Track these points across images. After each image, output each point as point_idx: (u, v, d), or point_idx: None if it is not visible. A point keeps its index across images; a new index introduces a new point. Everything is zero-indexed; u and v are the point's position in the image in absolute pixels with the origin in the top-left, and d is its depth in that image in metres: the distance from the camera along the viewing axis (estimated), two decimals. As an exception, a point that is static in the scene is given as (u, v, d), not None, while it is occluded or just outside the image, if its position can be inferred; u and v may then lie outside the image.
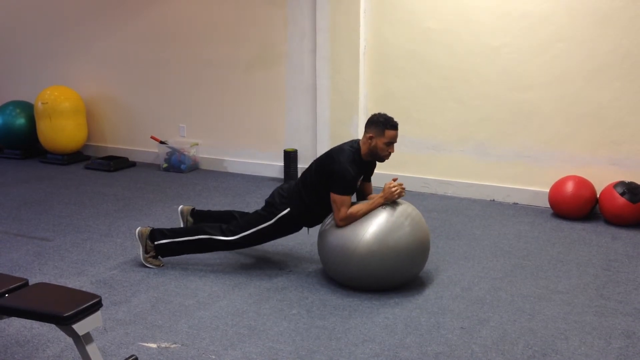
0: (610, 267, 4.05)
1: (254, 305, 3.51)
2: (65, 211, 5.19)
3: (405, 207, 3.66)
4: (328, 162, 3.72)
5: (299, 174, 5.19)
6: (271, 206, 3.89)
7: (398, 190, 3.61)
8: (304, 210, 3.84)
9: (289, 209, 3.83)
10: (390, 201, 3.63)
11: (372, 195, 3.89)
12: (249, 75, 6.32)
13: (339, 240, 3.60)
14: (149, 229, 4.01)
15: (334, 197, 3.63)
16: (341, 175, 3.62)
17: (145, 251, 4.00)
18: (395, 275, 3.63)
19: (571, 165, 5.16)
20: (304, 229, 4.05)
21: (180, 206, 4.39)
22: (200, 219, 4.30)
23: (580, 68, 5.03)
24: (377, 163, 3.90)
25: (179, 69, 6.65)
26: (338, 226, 3.63)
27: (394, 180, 3.69)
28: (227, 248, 3.97)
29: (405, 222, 3.58)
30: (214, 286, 3.76)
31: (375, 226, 3.54)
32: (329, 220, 3.77)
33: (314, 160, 3.94)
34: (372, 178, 3.99)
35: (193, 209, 4.34)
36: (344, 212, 3.59)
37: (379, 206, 3.61)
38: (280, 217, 3.84)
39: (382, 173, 5.32)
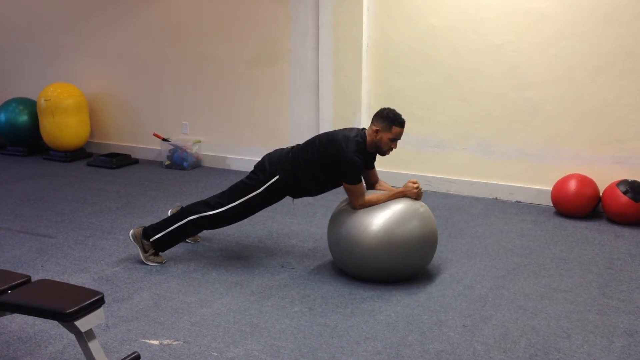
0: (613, 266, 4.04)
1: (256, 303, 3.51)
2: (67, 208, 5.19)
3: (415, 203, 3.75)
4: (334, 151, 3.73)
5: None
6: (260, 171, 3.92)
7: (417, 192, 3.76)
8: (293, 180, 3.87)
9: (278, 177, 3.86)
10: (408, 197, 3.74)
11: (386, 185, 3.98)
12: (252, 73, 6.31)
13: (347, 229, 3.69)
14: (140, 228, 4.03)
15: (349, 187, 3.72)
16: (352, 167, 3.69)
17: (144, 250, 4.01)
18: (401, 266, 3.68)
19: (574, 164, 5.15)
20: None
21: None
22: None
23: (584, 66, 5.02)
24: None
25: (181, 66, 6.65)
26: (355, 209, 3.74)
27: (415, 182, 3.80)
28: (218, 223, 4.00)
29: (413, 216, 3.66)
30: (215, 283, 3.77)
31: (384, 216, 3.62)
32: (343, 204, 3.85)
33: (317, 138, 3.91)
34: (387, 178, 4.00)
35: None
36: (361, 200, 3.72)
37: (398, 198, 3.73)
38: (268, 186, 3.88)
39: (385, 171, 5.33)
